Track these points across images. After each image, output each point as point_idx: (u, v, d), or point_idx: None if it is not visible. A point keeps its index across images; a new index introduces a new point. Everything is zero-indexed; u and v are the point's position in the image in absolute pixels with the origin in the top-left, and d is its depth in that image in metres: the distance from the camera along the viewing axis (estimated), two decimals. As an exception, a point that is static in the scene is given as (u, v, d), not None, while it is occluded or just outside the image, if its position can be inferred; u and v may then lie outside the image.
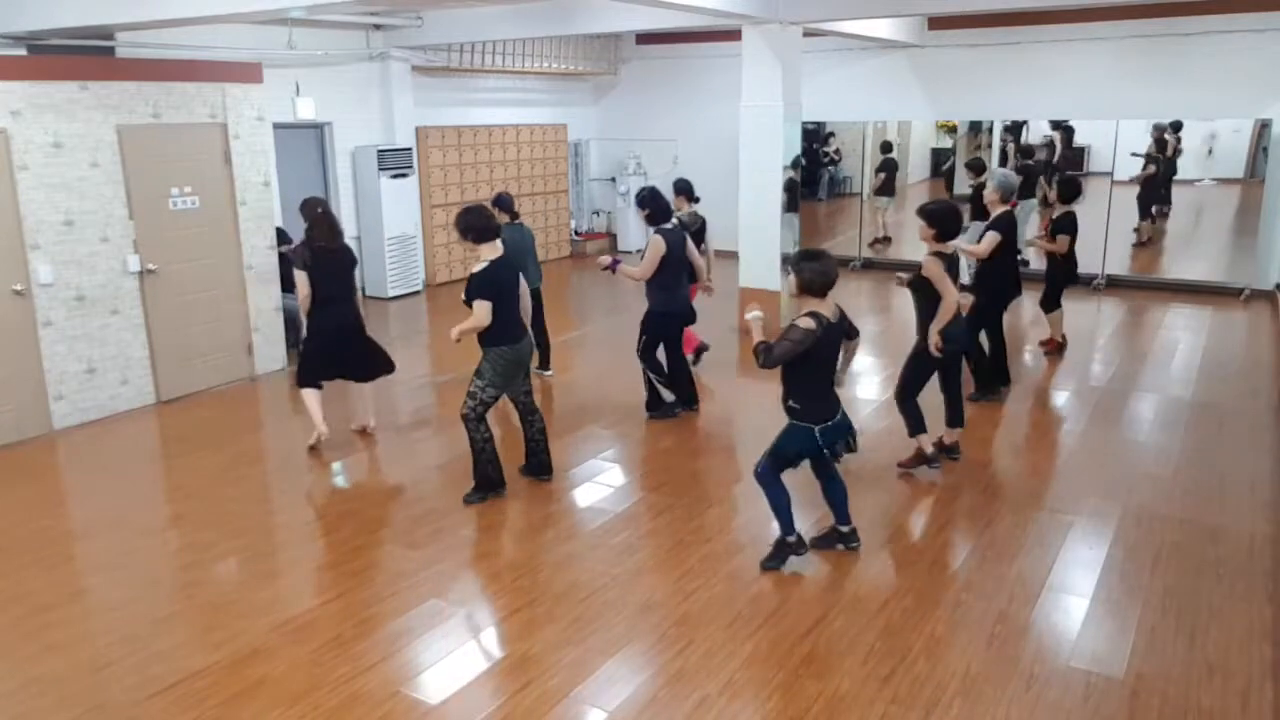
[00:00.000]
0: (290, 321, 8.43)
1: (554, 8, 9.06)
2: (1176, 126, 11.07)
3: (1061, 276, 8.25)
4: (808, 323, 4.30)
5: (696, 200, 7.93)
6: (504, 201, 7.48)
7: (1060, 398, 7.34)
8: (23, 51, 6.91)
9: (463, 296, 5.28)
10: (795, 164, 9.32)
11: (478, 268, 5.25)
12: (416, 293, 11.44)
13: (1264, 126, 10.43)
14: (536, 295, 7.28)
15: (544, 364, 7.85)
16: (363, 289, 10.67)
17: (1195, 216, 11.69)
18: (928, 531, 5.11)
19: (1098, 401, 7.16)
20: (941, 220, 5.56)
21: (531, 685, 3.78)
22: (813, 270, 4.36)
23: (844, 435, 4.60)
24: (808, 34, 9.51)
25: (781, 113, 8.87)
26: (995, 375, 7.27)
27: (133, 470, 6.25)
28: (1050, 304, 8.34)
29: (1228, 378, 7.74)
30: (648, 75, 14.03)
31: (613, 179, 14.30)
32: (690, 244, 6.83)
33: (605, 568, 4.73)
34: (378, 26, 10.64)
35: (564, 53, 12.91)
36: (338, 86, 10.63)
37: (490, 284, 5.23)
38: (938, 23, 11.78)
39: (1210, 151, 11.10)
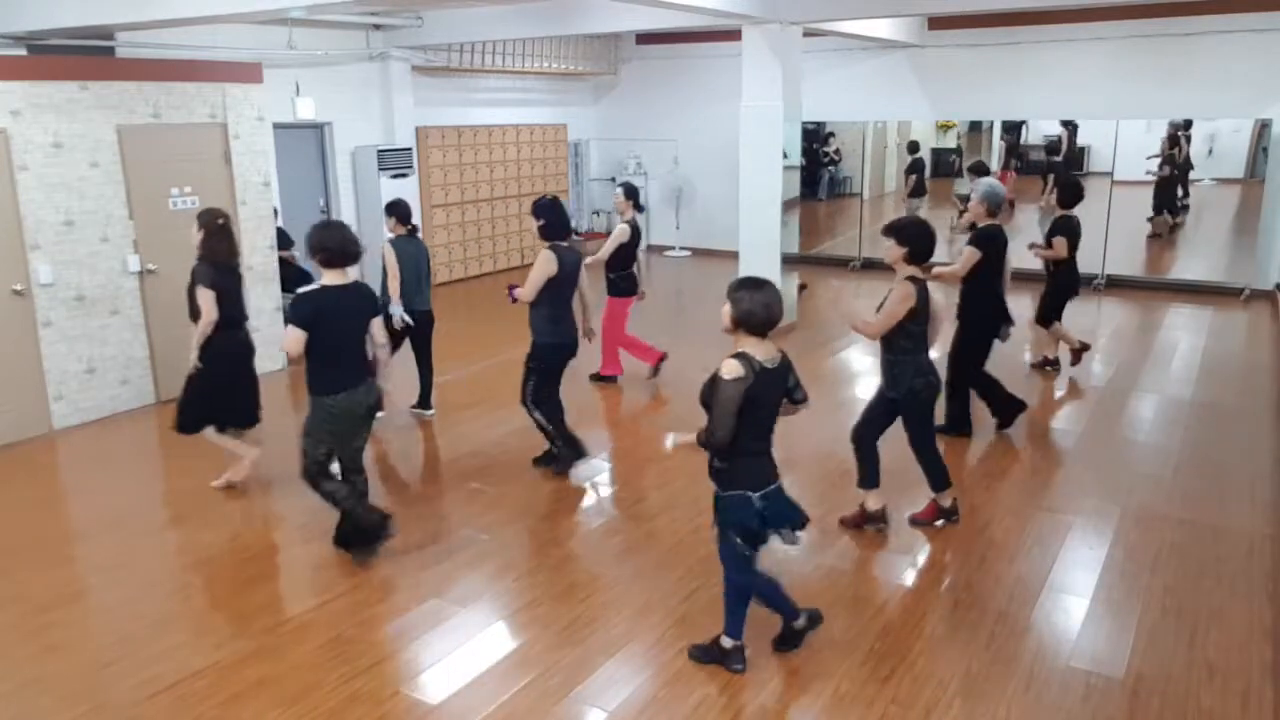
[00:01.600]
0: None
1: (554, 8, 9.06)
2: (1187, 125, 11.09)
3: (1061, 287, 7.57)
4: (733, 369, 3.44)
5: (641, 209, 7.64)
6: (400, 209, 6.74)
7: (1060, 398, 7.33)
8: (23, 51, 6.91)
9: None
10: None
11: (306, 288, 4.50)
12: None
13: (1264, 126, 10.43)
14: (427, 319, 6.74)
15: (424, 402, 6.99)
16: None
17: (1195, 216, 11.70)
18: (927, 531, 5.11)
19: (1098, 401, 7.16)
20: (913, 238, 4.66)
21: (531, 685, 3.78)
22: (753, 301, 3.47)
23: (789, 510, 3.72)
24: (808, 34, 9.51)
25: (781, 113, 8.87)
26: (1001, 411, 6.44)
27: (133, 470, 6.25)
28: (1047, 317, 7.67)
29: (1228, 378, 7.74)
30: (648, 75, 14.03)
31: (613, 179, 14.28)
32: (583, 274, 5.87)
33: (605, 568, 4.73)
34: (378, 26, 10.64)
35: (564, 53, 12.91)
36: (338, 86, 10.63)
37: (310, 311, 4.38)
38: (938, 23, 11.78)
39: (1210, 151, 11.11)
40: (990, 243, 6.02)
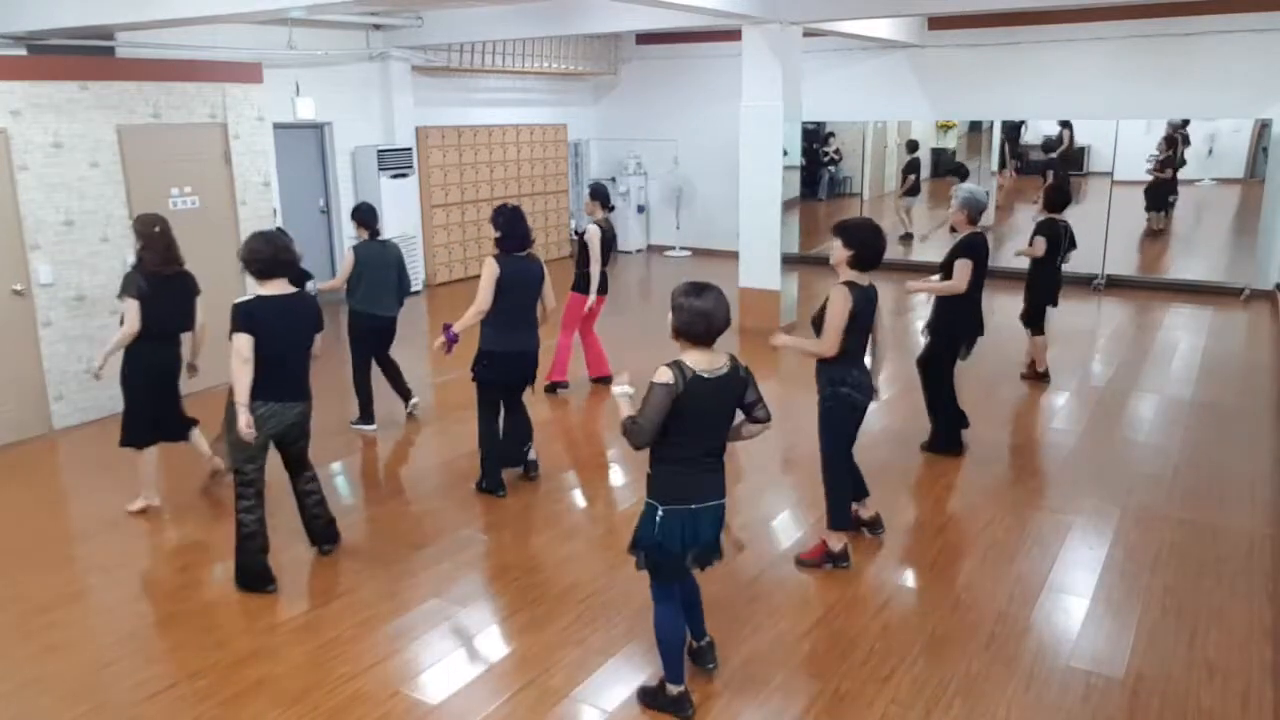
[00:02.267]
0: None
1: (554, 8, 9.07)
2: (1184, 124, 11.10)
3: (1042, 290, 7.40)
4: (664, 375, 3.25)
5: (611, 209, 7.46)
6: (361, 214, 6.67)
7: (1060, 397, 7.33)
8: (23, 51, 6.91)
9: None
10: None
11: (242, 298, 4.33)
12: (416, 293, 11.41)
13: (1264, 126, 10.43)
14: (389, 326, 6.65)
15: (365, 417, 6.76)
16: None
17: (1195, 216, 11.70)
18: (927, 532, 5.11)
19: (1098, 401, 7.16)
20: (860, 242, 4.34)
21: (531, 685, 3.78)
22: (692, 310, 3.27)
23: (704, 532, 3.43)
24: (808, 34, 9.51)
25: (781, 113, 8.87)
26: (949, 432, 6.15)
27: (133, 470, 6.22)
28: (1034, 321, 7.51)
29: (1228, 378, 7.74)
30: (648, 75, 14.04)
31: (613, 179, 14.29)
32: (547, 284, 5.59)
33: (605, 568, 4.73)
34: (378, 26, 10.64)
35: (564, 53, 12.91)
36: (338, 86, 10.64)
37: (245, 320, 4.24)
38: (938, 23, 11.79)
39: (1210, 151, 11.11)
40: (976, 251, 5.77)
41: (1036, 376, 7.64)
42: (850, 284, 4.39)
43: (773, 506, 5.52)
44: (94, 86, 6.77)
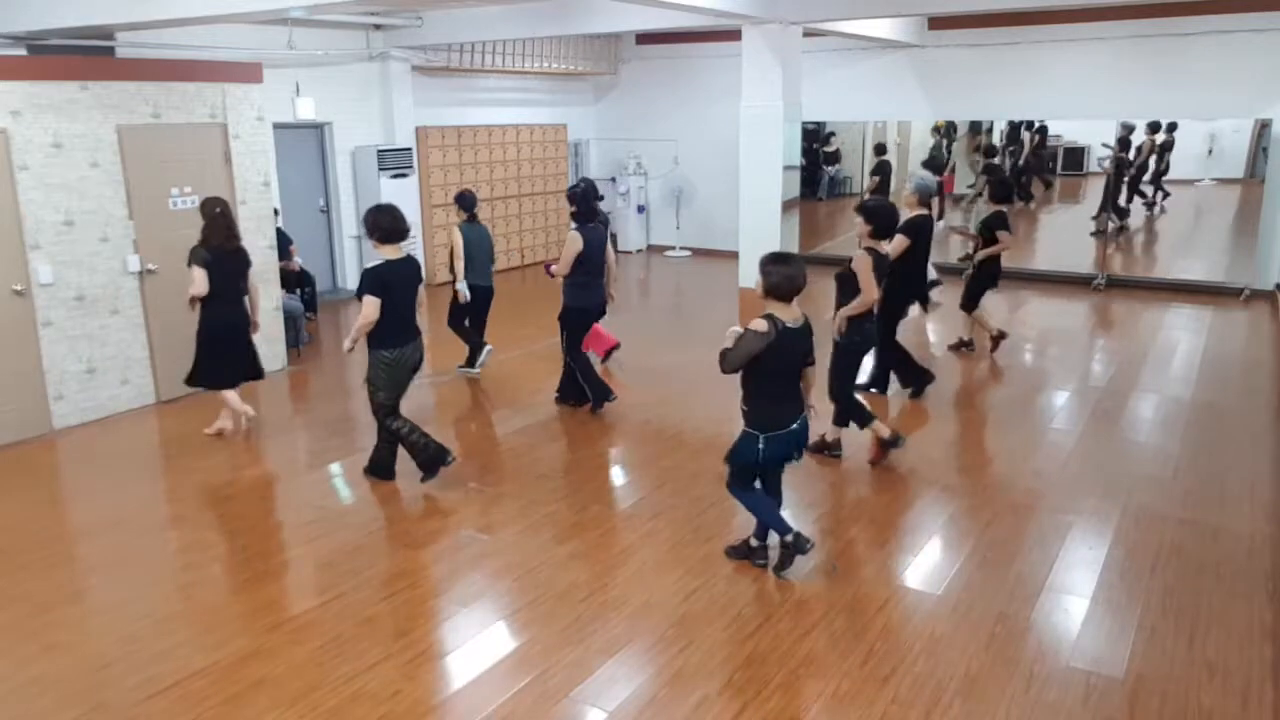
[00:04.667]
0: (290, 320, 8.44)
1: (554, 8, 9.07)
2: (1154, 127, 11.08)
3: (983, 276, 8.10)
4: (760, 325, 4.22)
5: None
6: (465, 199, 7.78)
7: (1060, 398, 7.34)
8: (23, 51, 6.92)
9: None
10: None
11: (372, 264, 5.34)
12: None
13: (1264, 126, 10.43)
14: (488, 294, 7.83)
15: (470, 362, 7.97)
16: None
17: (1195, 216, 11.69)
18: (927, 532, 5.11)
19: (1098, 401, 7.16)
20: (876, 216, 5.78)
21: (531, 685, 3.78)
22: (780, 274, 4.27)
23: (792, 447, 4.53)
24: (808, 34, 9.51)
25: (781, 113, 8.87)
26: (916, 373, 7.18)
27: (133, 470, 6.24)
28: (970, 304, 8.22)
29: (1228, 378, 7.74)
30: (648, 75, 14.03)
31: (613, 179, 14.29)
32: (609, 247, 7.00)
33: (605, 568, 4.73)
34: (378, 26, 10.64)
35: (564, 53, 12.91)
36: (338, 86, 10.64)
37: (378, 281, 5.27)
38: (938, 23, 11.78)
39: (1210, 151, 11.11)
40: (918, 231, 6.75)
41: (964, 345, 8.45)
42: (870, 249, 5.70)
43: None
44: (94, 86, 6.77)
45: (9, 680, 3.89)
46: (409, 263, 5.47)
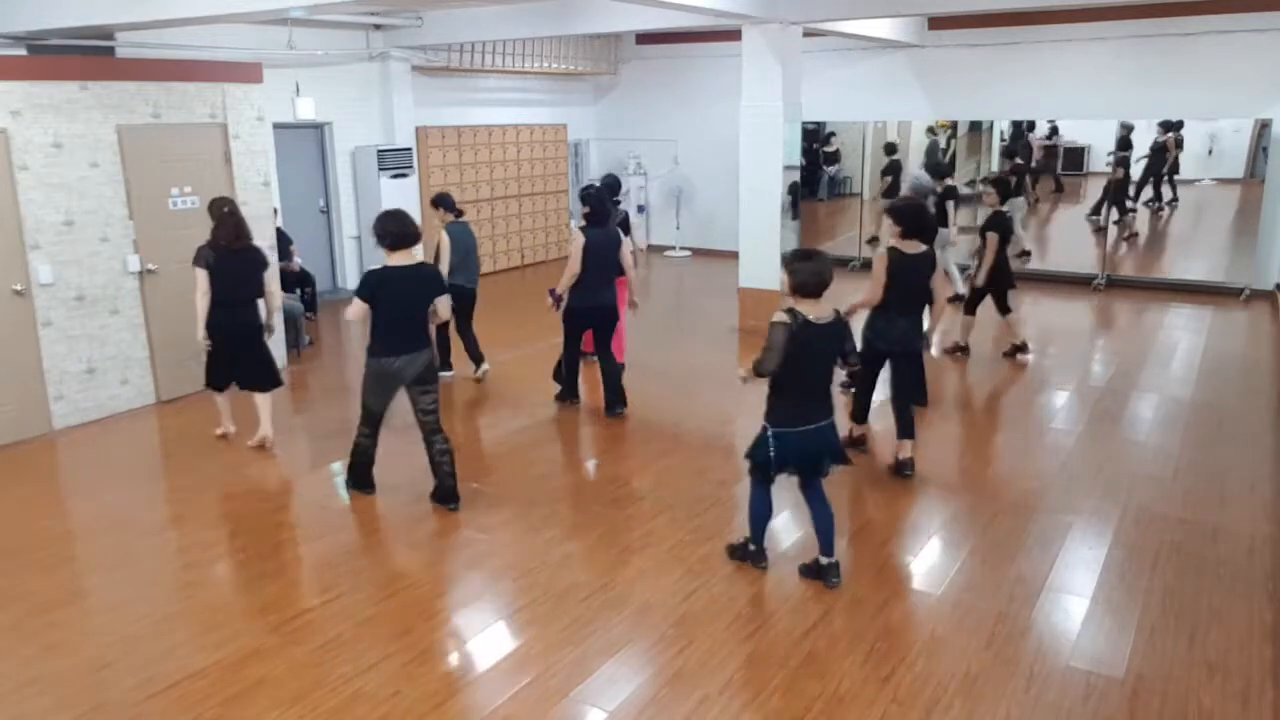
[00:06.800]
0: (291, 321, 8.44)
1: (554, 8, 9.07)
2: (1168, 125, 11.06)
3: (997, 281, 7.98)
4: (781, 317, 4.21)
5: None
6: (447, 200, 7.68)
7: (1060, 398, 7.33)
8: (23, 51, 6.92)
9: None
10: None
11: (373, 267, 5.17)
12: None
13: (1264, 126, 10.43)
14: (472, 296, 7.70)
15: (475, 364, 7.86)
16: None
17: (1195, 216, 11.69)
18: (928, 532, 5.11)
19: (1098, 401, 7.16)
20: (905, 217, 5.72)
21: (531, 685, 3.78)
22: (806, 270, 4.23)
23: (812, 451, 4.39)
24: (808, 34, 9.51)
25: (781, 113, 8.87)
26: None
27: (133, 470, 6.24)
28: (970, 308, 8.23)
29: (1228, 378, 7.74)
30: (648, 75, 14.04)
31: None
32: (625, 250, 6.95)
33: (605, 568, 4.73)
34: (378, 26, 10.64)
35: (564, 53, 12.91)
36: (338, 86, 10.64)
37: (367, 285, 5.07)
38: (938, 23, 11.79)
39: (1210, 151, 11.10)
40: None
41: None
42: (892, 249, 5.58)
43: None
44: (94, 86, 6.77)
45: (9, 680, 3.89)
46: (417, 271, 5.17)
